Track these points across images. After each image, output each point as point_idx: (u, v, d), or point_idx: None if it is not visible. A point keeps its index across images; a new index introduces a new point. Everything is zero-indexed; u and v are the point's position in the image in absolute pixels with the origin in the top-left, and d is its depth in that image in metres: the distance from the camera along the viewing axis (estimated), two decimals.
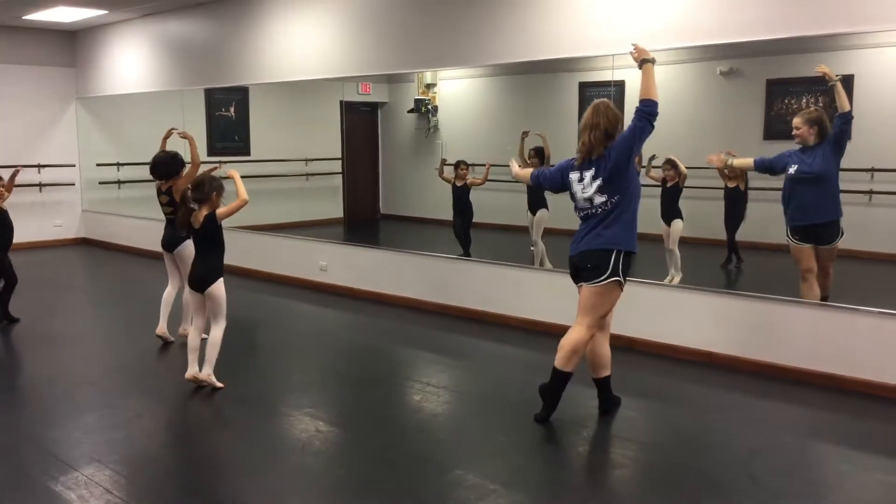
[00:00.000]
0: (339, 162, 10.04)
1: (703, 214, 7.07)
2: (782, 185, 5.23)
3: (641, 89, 4.03)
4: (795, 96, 6.84)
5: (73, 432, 4.19)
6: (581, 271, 4.18)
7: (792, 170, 5.12)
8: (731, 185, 6.65)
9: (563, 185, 4.28)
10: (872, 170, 6.41)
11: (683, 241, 6.64)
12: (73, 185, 11.50)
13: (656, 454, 3.99)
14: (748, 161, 5.53)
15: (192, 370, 4.86)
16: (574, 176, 4.19)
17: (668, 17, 5.43)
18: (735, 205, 6.78)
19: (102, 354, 5.81)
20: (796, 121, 5.17)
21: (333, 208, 10.29)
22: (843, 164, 6.55)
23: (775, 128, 6.98)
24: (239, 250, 8.83)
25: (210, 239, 4.80)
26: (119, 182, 11.01)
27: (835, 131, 5.03)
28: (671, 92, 7.76)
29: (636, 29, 5.55)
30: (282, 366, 5.54)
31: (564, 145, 8.42)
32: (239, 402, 4.74)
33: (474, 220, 8.03)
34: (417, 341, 6.27)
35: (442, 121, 9.63)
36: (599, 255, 4.09)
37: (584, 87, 8.07)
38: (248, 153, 10.38)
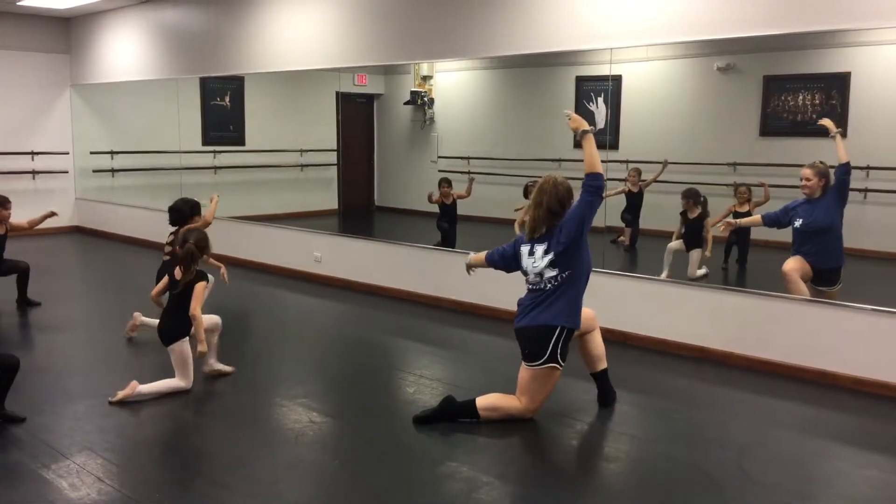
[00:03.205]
0: (335, 153, 10.02)
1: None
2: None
3: (585, 162, 4.05)
4: (792, 93, 6.85)
5: (65, 420, 4.17)
6: (521, 349, 4.16)
7: (798, 223, 5.27)
8: (742, 209, 6.63)
9: (516, 261, 4.26)
10: (868, 168, 6.42)
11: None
12: (67, 172, 11.44)
13: (649, 448, 4.00)
14: (756, 218, 5.76)
15: (206, 366, 4.91)
16: (524, 249, 4.18)
17: (666, 12, 5.42)
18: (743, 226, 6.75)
19: (94, 343, 5.79)
20: (807, 172, 5.22)
21: (328, 199, 10.27)
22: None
23: (771, 124, 6.99)
24: (233, 240, 8.82)
25: (188, 292, 4.67)
26: (113, 170, 10.96)
27: (836, 183, 5.14)
28: (668, 87, 7.78)
29: (634, 23, 5.54)
30: (275, 356, 5.53)
31: (559, 140, 8.43)
32: (232, 391, 4.73)
33: (469, 213, 8.04)
34: (411, 333, 6.27)
35: (438, 113, 9.61)
36: (542, 332, 4.05)
37: (581, 81, 8.06)
38: (242, 143, 10.34)
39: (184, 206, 5.86)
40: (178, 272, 4.69)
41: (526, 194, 7.44)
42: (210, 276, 5.00)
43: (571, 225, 4.02)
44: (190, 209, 5.86)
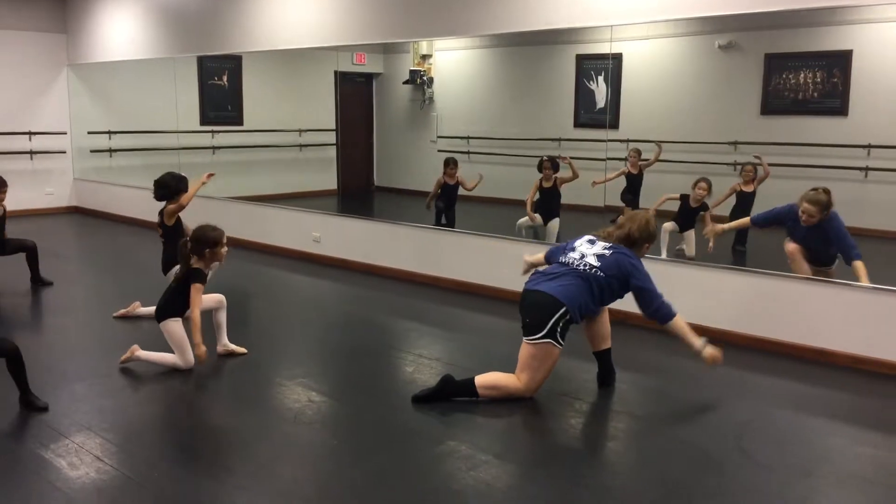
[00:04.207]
0: (334, 133, 9.97)
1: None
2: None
3: (680, 330, 4.25)
4: (794, 71, 6.80)
5: (64, 400, 4.17)
6: (523, 318, 4.18)
7: (796, 238, 5.20)
8: (748, 189, 6.61)
9: (563, 249, 4.36)
10: (869, 146, 6.39)
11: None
12: (65, 153, 11.40)
13: (648, 426, 4.01)
14: (745, 221, 5.64)
15: (219, 346, 4.94)
16: (587, 238, 4.30)
17: None
18: (745, 206, 6.74)
19: (93, 323, 5.78)
20: (812, 209, 5.02)
21: (327, 180, 10.23)
22: (839, 140, 6.57)
23: (773, 103, 6.95)
24: (232, 221, 8.80)
25: (186, 285, 4.62)
26: (111, 150, 10.92)
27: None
28: (668, 66, 7.73)
29: (635, 0, 5.48)
30: (274, 336, 5.53)
31: (559, 118, 8.39)
32: (231, 371, 4.73)
33: (469, 193, 8.00)
34: (410, 313, 6.27)
35: (437, 93, 9.54)
36: (548, 301, 4.07)
37: (581, 59, 8.01)
38: (240, 123, 10.29)
39: (170, 181, 5.71)
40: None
41: (540, 168, 7.44)
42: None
43: (628, 275, 4.12)
44: (176, 183, 5.70)
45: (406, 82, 9.69)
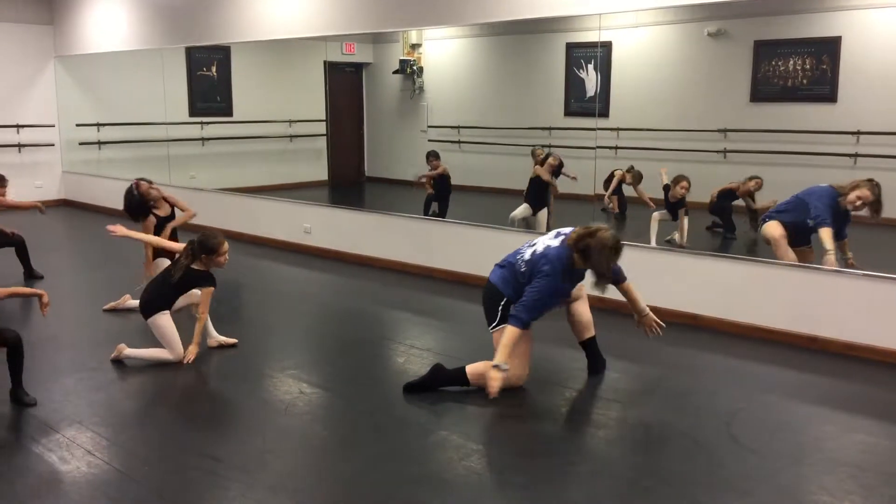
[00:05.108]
0: (324, 123, 9.93)
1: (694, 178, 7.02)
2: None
3: (505, 347, 3.95)
4: (783, 58, 6.80)
5: (54, 394, 4.16)
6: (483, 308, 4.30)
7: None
8: (738, 192, 6.67)
9: None
10: (858, 133, 6.40)
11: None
12: (53, 145, 11.32)
13: (638, 415, 4.02)
14: (827, 233, 5.02)
15: (210, 339, 4.93)
16: (555, 234, 4.20)
17: None
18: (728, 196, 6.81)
19: (83, 316, 5.76)
20: (872, 198, 5.01)
21: (318, 170, 10.21)
22: (828, 126, 6.59)
23: (762, 90, 6.95)
24: (222, 212, 8.77)
25: (184, 284, 4.68)
26: (99, 143, 10.85)
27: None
28: (658, 54, 7.72)
29: None
30: (266, 328, 5.51)
31: (549, 107, 8.38)
32: (222, 363, 4.72)
33: (460, 183, 8.00)
34: (401, 303, 6.26)
35: (427, 82, 9.51)
36: (493, 291, 4.22)
37: (571, 47, 7.99)
38: (230, 114, 10.24)
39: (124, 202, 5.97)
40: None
41: (534, 156, 7.45)
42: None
43: (535, 279, 4.02)
44: (129, 202, 6.07)
45: (396, 72, 9.66)
